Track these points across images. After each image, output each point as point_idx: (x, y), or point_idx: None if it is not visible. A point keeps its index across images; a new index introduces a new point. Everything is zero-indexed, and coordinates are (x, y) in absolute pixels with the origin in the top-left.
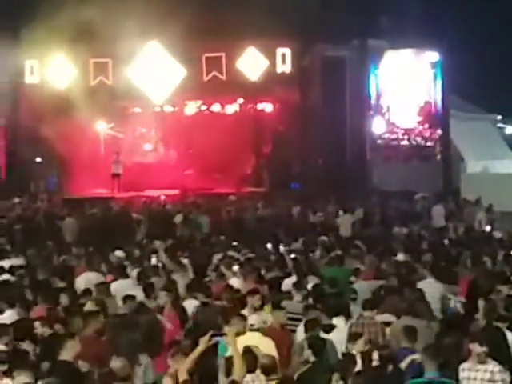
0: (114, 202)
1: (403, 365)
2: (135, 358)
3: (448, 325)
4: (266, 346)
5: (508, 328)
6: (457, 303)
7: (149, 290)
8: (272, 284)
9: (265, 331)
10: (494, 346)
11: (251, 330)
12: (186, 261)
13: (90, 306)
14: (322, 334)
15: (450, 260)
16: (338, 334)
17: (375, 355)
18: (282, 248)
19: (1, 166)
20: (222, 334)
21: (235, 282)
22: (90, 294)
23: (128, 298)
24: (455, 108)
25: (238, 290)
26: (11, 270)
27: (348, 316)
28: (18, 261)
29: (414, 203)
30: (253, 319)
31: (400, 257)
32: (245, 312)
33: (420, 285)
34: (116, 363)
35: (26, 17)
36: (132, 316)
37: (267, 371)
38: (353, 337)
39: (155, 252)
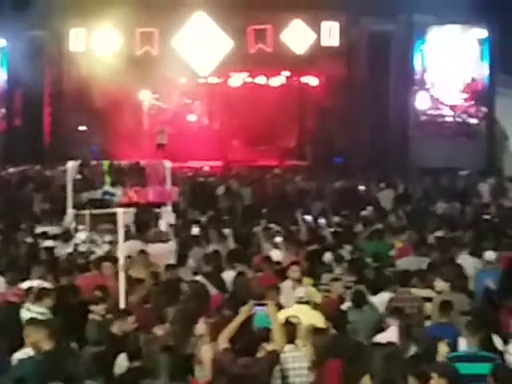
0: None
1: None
2: (187, 327)
3: (486, 300)
4: (314, 319)
5: None
6: (488, 280)
7: (182, 260)
8: (312, 257)
9: (314, 304)
10: None
11: (300, 302)
12: (227, 231)
13: (134, 274)
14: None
15: (491, 237)
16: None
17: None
18: (322, 221)
19: (45, 133)
20: (263, 304)
21: (275, 254)
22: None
23: (170, 267)
24: (502, 86)
25: (278, 263)
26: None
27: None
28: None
29: (457, 180)
30: (301, 292)
31: (440, 233)
32: (288, 284)
33: (459, 260)
34: (160, 331)
35: None
36: (177, 283)
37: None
38: (392, 311)
39: (197, 222)
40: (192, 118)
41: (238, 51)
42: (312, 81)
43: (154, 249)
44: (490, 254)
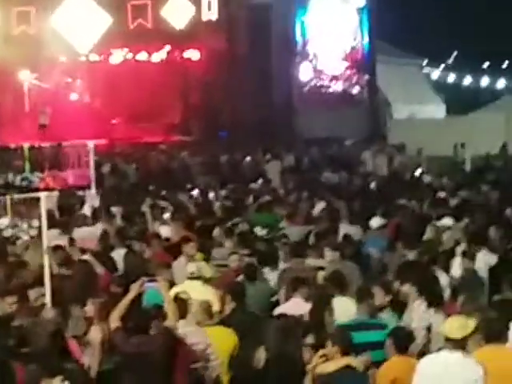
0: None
1: None
2: (67, 309)
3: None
4: (206, 294)
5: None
6: (372, 248)
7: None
8: (202, 232)
9: (206, 279)
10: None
11: (191, 278)
12: (114, 209)
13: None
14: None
15: (376, 204)
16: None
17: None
18: (210, 195)
19: None
20: (153, 281)
21: (164, 230)
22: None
23: (56, 249)
24: (382, 53)
25: (167, 239)
26: None
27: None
28: None
29: (342, 149)
30: (192, 267)
31: (327, 202)
32: (181, 260)
33: (343, 229)
34: (47, 314)
35: None
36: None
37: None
38: (292, 283)
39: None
40: (74, 96)
41: (118, 27)
42: (194, 55)
43: (80, 233)
44: (375, 222)
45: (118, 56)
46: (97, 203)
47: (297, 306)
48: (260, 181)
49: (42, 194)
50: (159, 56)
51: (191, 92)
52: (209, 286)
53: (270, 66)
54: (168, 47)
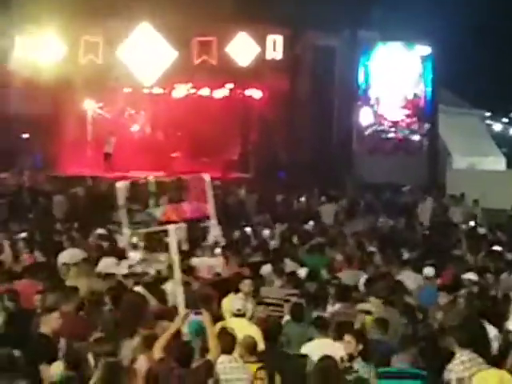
0: (99, 182)
1: None
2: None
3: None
4: (251, 332)
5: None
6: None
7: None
8: (252, 268)
9: (251, 318)
10: (474, 338)
11: (237, 315)
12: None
13: (70, 282)
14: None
15: (433, 254)
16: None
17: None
18: (264, 233)
19: None
20: (199, 313)
21: (215, 265)
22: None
23: (108, 276)
24: (444, 103)
25: (218, 274)
26: None
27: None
28: None
29: (399, 195)
30: (238, 304)
31: (382, 248)
32: (230, 296)
33: (400, 276)
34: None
35: None
36: (110, 293)
37: (246, 351)
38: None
39: None
40: (135, 128)
41: (183, 62)
42: (256, 94)
43: (205, 262)
44: (428, 271)
45: (181, 90)
46: (219, 233)
47: (338, 348)
48: (312, 222)
49: (171, 227)
50: (222, 92)
51: (251, 130)
52: (254, 324)
53: (331, 109)
54: (231, 84)
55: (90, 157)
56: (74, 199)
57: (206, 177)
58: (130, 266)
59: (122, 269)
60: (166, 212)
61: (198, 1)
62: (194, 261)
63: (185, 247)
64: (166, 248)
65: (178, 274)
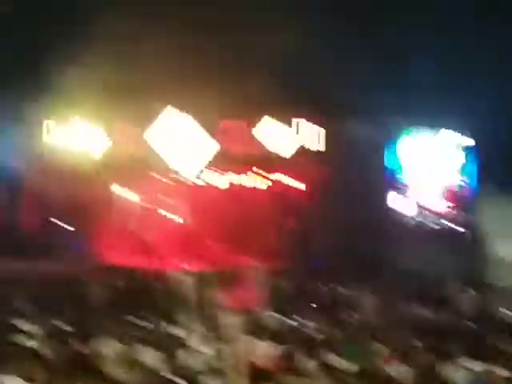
0: (138, 272)
1: None
2: None
3: None
4: None
5: None
6: None
7: None
8: None
9: None
10: None
11: None
12: None
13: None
14: None
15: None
16: None
17: None
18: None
19: (24, 228)
20: None
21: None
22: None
23: None
24: (486, 192)
25: None
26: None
27: None
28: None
29: (442, 286)
30: None
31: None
32: None
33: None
34: None
35: (54, 77)
36: None
37: None
38: None
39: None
40: (174, 217)
41: (221, 152)
42: (292, 182)
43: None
44: (476, 366)
45: (218, 180)
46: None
47: None
48: (354, 313)
49: None
50: (258, 181)
51: (287, 218)
52: None
53: (366, 197)
54: (267, 173)
55: (129, 247)
56: (112, 290)
57: (259, 267)
58: None
59: None
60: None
61: (236, 91)
62: None
63: None
64: None
65: None
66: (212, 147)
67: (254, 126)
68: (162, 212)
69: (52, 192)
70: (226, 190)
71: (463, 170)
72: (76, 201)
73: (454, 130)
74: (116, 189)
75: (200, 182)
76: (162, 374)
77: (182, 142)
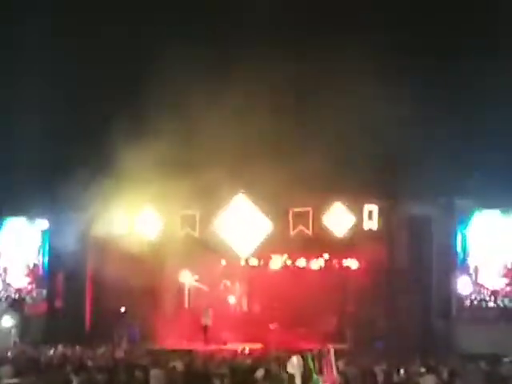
0: (197, 355)
1: None
2: None
3: None
4: None
5: None
6: None
7: None
8: None
9: None
10: None
11: None
12: None
13: None
14: None
15: None
16: None
17: None
18: None
19: (86, 315)
20: None
21: None
22: None
23: None
24: None
25: None
26: None
27: None
28: None
29: (499, 366)
30: None
31: None
32: None
33: None
34: None
35: (117, 170)
36: None
37: None
38: None
39: None
40: (232, 299)
41: (279, 233)
42: (352, 264)
43: None
44: None
45: (277, 261)
46: None
47: None
48: None
49: None
50: (318, 263)
51: (348, 300)
52: None
53: (429, 278)
54: (327, 255)
55: (188, 330)
56: (172, 373)
57: (331, 349)
58: None
59: None
60: None
61: (294, 171)
62: None
63: None
64: None
65: None
66: (266, 227)
67: (320, 212)
68: (220, 293)
69: (117, 280)
70: (284, 271)
71: None
72: (137, 284)
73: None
74: (176, 272)
75: (255, 263)
76: None
77: (241, 225)
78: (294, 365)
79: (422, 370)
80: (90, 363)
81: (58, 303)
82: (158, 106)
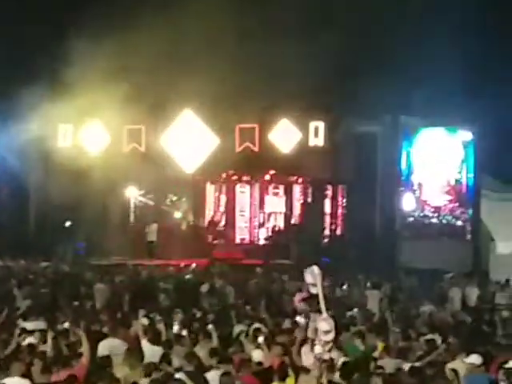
0: (142, 269)
1: None
2: None
3: None
4: None
5: None
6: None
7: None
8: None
9: None
10: None
11: None
12: (210, 328)
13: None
14: None
15: (479, 341)
16: None
17: None
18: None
19: (30, 228)
20: None
21: (258, 354)
22: (110, 362)
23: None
24: (487, 188)
25: (259, 363)
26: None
27: None
28: (41, 324)
29: (443, 282)
30: None
31: (427, 336)
32: None
33: (449, 365)
34: None
35: (62, 82)
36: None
37: None
38: None
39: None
40: (178, 214)
41: (225, 150)
42: (298, 179)
43: None
44: (475, 359)
45: (221, 177)
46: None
47: None
48: (356, 309)
49: None
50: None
51: (293, 217)
52: None
53: (374, 195)
54: (272, 171)
55: (133, 245)
56: (116, 288)
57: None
58: None
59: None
60: None
61: (240, 88)
62: None
63: None
64: None
65: None
66: (212, 142)
67: (266, 128)
68: (165, 208)
69: (61, 194)
70: (230, 187)
71: (464, 165)
72: (82, 200)
73: (456, 126)
74: (122, 187)
75: (201, 178)
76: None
77: (187, 140)
78: (315, 273)
79: (368, 285)
80: (33, 277)
81: (2, 217)
82: (105, 15)
